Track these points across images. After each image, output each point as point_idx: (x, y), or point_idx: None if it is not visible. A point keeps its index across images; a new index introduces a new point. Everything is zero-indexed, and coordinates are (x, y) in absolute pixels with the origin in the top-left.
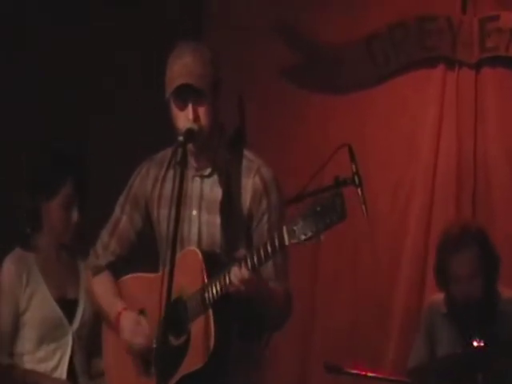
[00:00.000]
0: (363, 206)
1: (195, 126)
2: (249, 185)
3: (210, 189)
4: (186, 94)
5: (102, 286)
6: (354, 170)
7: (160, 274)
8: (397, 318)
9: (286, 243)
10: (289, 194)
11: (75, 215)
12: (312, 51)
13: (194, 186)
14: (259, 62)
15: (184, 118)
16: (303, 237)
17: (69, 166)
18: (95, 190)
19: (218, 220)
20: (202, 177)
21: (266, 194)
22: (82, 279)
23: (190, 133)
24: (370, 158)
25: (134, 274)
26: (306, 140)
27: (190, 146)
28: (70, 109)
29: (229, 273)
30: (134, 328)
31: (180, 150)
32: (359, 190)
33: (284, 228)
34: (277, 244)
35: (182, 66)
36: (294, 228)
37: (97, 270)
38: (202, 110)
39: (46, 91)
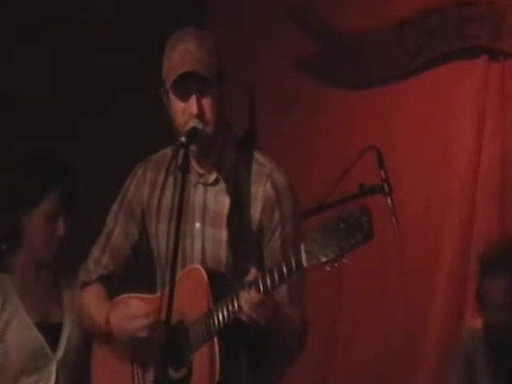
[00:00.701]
0: (393, 218)
1: (199, 125)
2: (259, 193)
3: (215, 198)
4: (188, 85)
5: (90, 296)
6: (383, 176)
7: (158, 295)
8: (431, 347)
9: (304, 265)
10: (306, 204)
11: (61, 227)
12: (333, 39)
13: (197, 194)
14: (270, 55)
15: (186, 112)
16: (324, 258)
17: (55, 172)
18: (92, 197)
19: (223, 235)
20: (206, 184)
21: (279, 203)
22: (65, 301)
23: (193, 133)
24: (400, 162)
25: (129, 294)
26: (327, 142)
27: (192, 148)
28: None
29: (238, 297)
30: (125, 315)
31: (181, 153)
32: (388, 199)
33: (302, 247)
34: (293, 265)
35: (184, 53)
36: (314, 248)
37: (85, 284)
38: (207, 103)
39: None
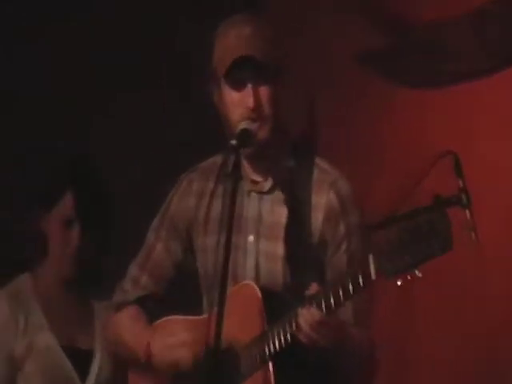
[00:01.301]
0: (472, 234)
1: (251, 126)
2: (321, 203)
3: (271, 208)
4: (242, 74)
5: (126, 320)
6: (461, 185)
7: (205, 316)
8: None
9: (373, 277)
10: (373, 218)
11: (75, 236)
12: (402, 31)
13: (251, 204)
14: (330, 51)
15: (242, 105)
16: (394, 270)
17: (67, 171)
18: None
19: (280, 249)
20: (261, 192)
21: (345, 214)
22: (97, 326)
23: (245, 135)
24: (480, 170)
25: (171, 317)
26: (396, 146)
27: (245, 150)
28: (70, 109)
29: (296, 315)
30: (169, 343)
31: (232, 158)
32: (467, 211)
33: (370, 258)
34: (360, 278)
35: (238, 38)
36: (383, 258)
37: (121, 306)
38: (264, 94)
39: (46, 91)
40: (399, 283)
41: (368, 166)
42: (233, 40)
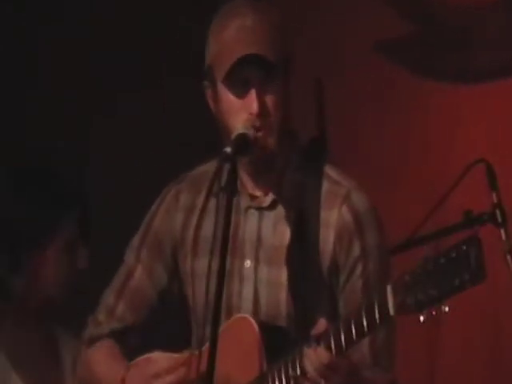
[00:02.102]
0: (508, 256)
1: (250, 131)
2: (332, 219)
3: (273, 227)
4: (245, 75)
5: (99, 355)
6: (495, 199)
7: (194, 354)
8: None
9: (391, 312)
10: (391, 237)
11: (84, 260)
12: (429, 17)
13: (249, 222)
14: (344, 39)
15: (244, 112)
16: (417, 305)
17: (68, 197)
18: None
19: (284, 276)
20: (261, 208)
21: (360, 232)
22: (65, 361)
23: (242, 141)
24: None
25: (152, 354)
26: (419, 153)
27: (245, 161)
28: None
29: (301, 357)
30: (145, 374)
31: (227, 169)
32: (502, 230)
33: (388, 288)
34: (377, 313)
35: (241, 31)
36: (404, 290)
37: (92, 341)
38: (271, 99)
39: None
40: (422, 319)
41: (384, 175)
42: (233, 33)
